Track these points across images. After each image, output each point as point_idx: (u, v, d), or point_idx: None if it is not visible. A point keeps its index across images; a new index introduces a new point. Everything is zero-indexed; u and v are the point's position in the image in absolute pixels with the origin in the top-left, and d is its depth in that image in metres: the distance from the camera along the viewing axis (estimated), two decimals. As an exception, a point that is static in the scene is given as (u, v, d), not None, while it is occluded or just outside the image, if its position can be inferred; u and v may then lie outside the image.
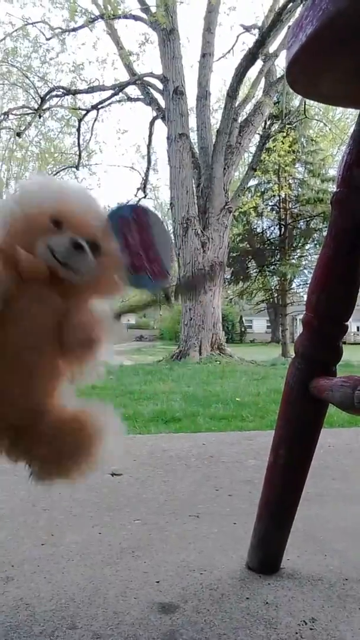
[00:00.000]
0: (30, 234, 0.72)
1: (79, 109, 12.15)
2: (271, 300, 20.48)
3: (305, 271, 18.27)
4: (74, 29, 11.45)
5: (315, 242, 18.14)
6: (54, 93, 11.60)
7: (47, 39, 11.82)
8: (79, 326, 0.74)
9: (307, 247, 18.80)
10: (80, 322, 0.74)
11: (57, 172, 17.06)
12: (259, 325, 35.42)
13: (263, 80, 11.09)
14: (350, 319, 1.01)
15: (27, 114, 12.00)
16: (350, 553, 1.17)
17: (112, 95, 11.75)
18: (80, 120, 12.11)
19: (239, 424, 3.04)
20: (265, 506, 1.09)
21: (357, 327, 33.71)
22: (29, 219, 0.72)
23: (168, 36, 9.95)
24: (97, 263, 0.74)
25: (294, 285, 19.07)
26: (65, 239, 0.71)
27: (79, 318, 0.74)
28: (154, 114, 11.46)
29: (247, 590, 1.00)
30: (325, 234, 1.00)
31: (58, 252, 0.71)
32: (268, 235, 19.49)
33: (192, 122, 10.98)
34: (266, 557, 1.08)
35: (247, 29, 11.23)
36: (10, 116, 11.89)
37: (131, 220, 0.79)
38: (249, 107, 10.96)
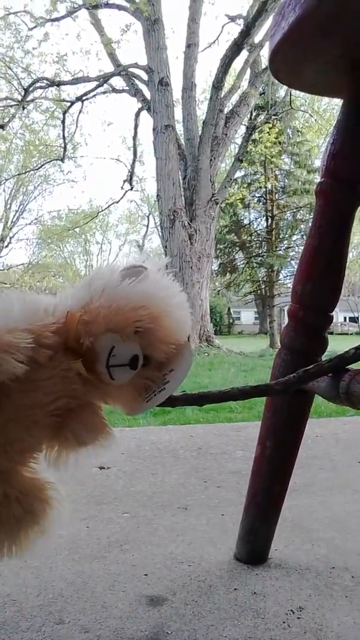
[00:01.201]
0: (107, 320, 0.68)
1: (64, 100, 12.00)
2: (259, 291, 20.51)
3: (293, 262, 18.30)
4: (57, 19, 11.28)
5: (302, 233, 18.17)
6: (38, 84, 11.44)
7: (30, 29, 11.64)
8: (85, 426, 0.71)
9: (294, 238, 18.83)
10: (88, 423, 0.71)
11: (42, 165, 16.91)
12: (247, 316, 35.55)
13: (248, 71, 11.04)
14: (337, 310, 1.01)
15: (11, 105, 11.82)
16: (337, 542, 1.18)
17: (97, 86, 11.62)
18: (64, 112, 11.96)
19: (227, 416, 3.04)
20: (253, 497, 1.09)
21: (344, 318, 34.00)
22: (117, 308, 0.68)
23: (152, 26, 9.85)
24: (137, 374, 0.71)
25: (281, 276, 19.11)
26: (128, 352, 0.68)
27: (88, 417, 0.71)
28: (140, 105, 11.36)
29: (235, 581, 1.00)
30: (310, 225, 1.00)
31: (115, 358, 0.68)
32: (255, 226, 19.53)
33: (178, 113, 10.91)
34: (254, 547, 1.09)
35: (232, 19, 11.17)
36: (-7, 108, 11.73)
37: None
38: (234, 98, 10.92)
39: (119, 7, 10.78)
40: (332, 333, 1.06)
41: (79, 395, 0.70)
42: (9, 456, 0.70)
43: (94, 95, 11.97)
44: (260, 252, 18.73)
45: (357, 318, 34.90)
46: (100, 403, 0.75)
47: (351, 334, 29.46)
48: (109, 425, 0.74)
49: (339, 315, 32.65)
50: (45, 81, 11.49)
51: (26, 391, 0.67)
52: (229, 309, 31.18)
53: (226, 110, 10.42)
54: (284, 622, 0.86)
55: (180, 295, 0.75)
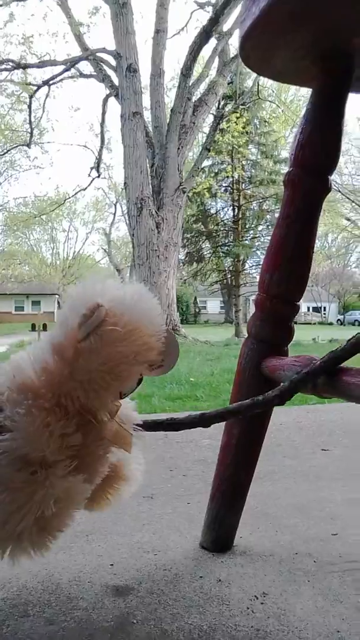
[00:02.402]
0: (130, 356, 0.69)
1: (30, 84, 11.68)
2: (225, 281, 20.63)
3: (258, 252, 18.45)
4: (23, -2, 10.96)
5: (268, 223, 18.30)
6: (3, 66, 11.09)
7: (-6, 8, 11.24)
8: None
9: (260, 228, 18.95)
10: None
11: (7, 150, 16.46)
12: (213, 306, 35.74)
13: (217, 59, 10.98)
14: (302, 300, 1.02)
15: (-26, 87, 11.47)
16: (300, 528, 1.20)
17: (64, 70, 11.34)
18: (31, 97, 11.65)
19: (193, 404, 3.06)
20: (219, 486, 1.09)
21: (307, 308, 34.58)
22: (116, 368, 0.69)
23: (121, 10, 9.65)
24: None
25: (247, 266, 19.25)
26: (134, 383, 0.74)
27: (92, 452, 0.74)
28: (107, 91, 11.16)
29: (200, 569, 1.01)
30: (277, 215, 1.00)
31: (127, 390, 0.74)
32: (222, 216, 19.57)
33: (146, 100, 10.78)
34: (219, 535, 1.10)
35: (201, 5, 11.07)
36: None
37: None
38: (203, 87, 10.86)
39: (86, -12, 10.53)
40: (296, 323, 1.07)
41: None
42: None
43: (61, 80, 11.71)
44: (226, 241, 18.80)
45: (320, 308, 35.60)
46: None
47: (314, 323, 30.03)
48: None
49: (303, 305, 33.18)
50: (10, 63, 11.14)
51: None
52: (195, 298, 31.24)
53: (194, 98, 10.35)
54: (248, 608, 0.87)
55: (149, 304, 0.75)
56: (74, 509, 0.72)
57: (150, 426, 0.85)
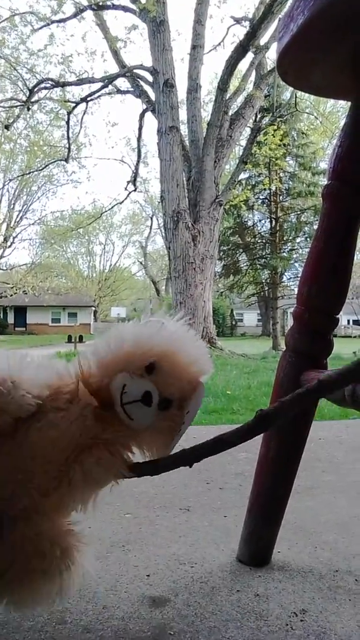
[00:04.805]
0: (117, 362, 0.73)
1: (68, 101, 12.01)
2: (262, 293, 20.49)
3: (296, 264, 18.28)
4: (62, 20, 11.30)
5: (306, 235, 18.13)
6: (43, 85, 11.45)
7: (35, 30, 11.65)
8: (95, 460, 0.73)
9: (297, 240, 18.79)
10: (99, 458, 0.73)
11: (46, 165, 16.93)
12: (250, 318, 35.49)
13: (254, 73, 11.04)
14: (341, 312, 1.01)
15: (16, 106, 11.84)
16: (340, 545, 1.18)
17: (102, 87, 11.62)
18: (69, 113, 11.97)
19: (229, 417, 3.04)
20: (256, 499, 1.09)
21: (348, 321, 33.92)
22: (128, 350, 0.73)
23: (158, 28, 9.85)
24: (158, 418, 0.74)
25: (284, 278, 19.10)
26: (141, 388, 0.72)
27: (101, 453, 0.73)
28: (144, 106, 11.36)
29: (237, 582, 1.00)
30: (316, 227, 1.00)
31: (127, 395, 0.72)
32: (259, 228, 19.51)
33: (183, 114, 10.92)
34: (257, 549, 1.09)
35: (238, 20, 11.15)
36: (-1, 108, 11.77)
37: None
38: (239, 100, 10.91)
39: (125, 9, 10.79)
40: (335, 335, 1.06)
41: (95, 434, 0.73)
42: (28, 492, 0.72)
43: (99, 96, 11.98)
44: (263, 254, 18.71)
45: (361, 321, 34.83)
46: (126, 447, 0.77)
47: (355, 336, 29.39)
48: (125, 465, 0.76)
49: (342, 318, 32.58)
50: (50, 82, 11.50)
51: (43, 429, 0.71)
52: (231, 310, 31.15)
53: (231, 112, 10.42)
54: (287, 625, 0.86)
55: (191, 333, 0.78)
56: None
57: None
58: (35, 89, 11.28)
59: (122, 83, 11.77)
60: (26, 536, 0.72)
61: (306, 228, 18.09)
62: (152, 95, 10.64)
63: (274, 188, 17.62)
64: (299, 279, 1.03)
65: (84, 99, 11.85)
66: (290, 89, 13.76)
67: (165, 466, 0.79)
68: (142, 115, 11.84)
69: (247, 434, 0.75)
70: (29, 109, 11.96)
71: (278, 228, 18.07)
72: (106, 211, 21.29)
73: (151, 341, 0.73)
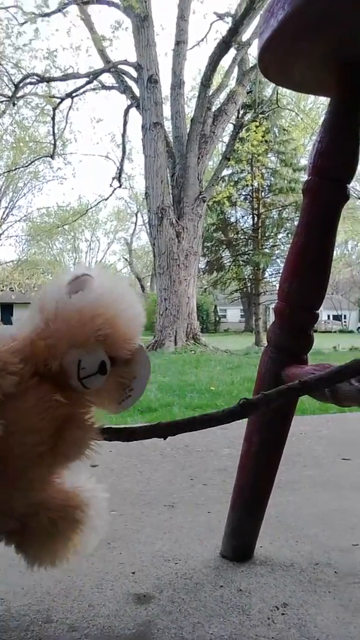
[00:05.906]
0: (68, 338, 0.70)
1: (54, 97, 11.91)
2: (244, 289, 20.60)
3: (278, 260, 18.42)
4: (47, 14, 11.18)
5: (288, 231, 18.27)
6: (28, 80, 11.33)
7: (20, 24, 11.50)
8: (74, 442, 0.73)
9: (279, 236, 18.92)
10: (76, 438, 0.73)
11: (32, 162, 16.76)
12: (233, 314, 35.64)
13: (236, 69, 11.06)
14: (321, 307, 1.02)
15: (1, 101, 11.71)
16: (321, 538, 1.19)
17: (87, 83, 11.54)
18: (54, 109, 11.88)
19: (213, 413, 3.05)
20: (239, 494, 1.09)
21: (327, 316, 34.26)
22: (75, 323, 0.71)
23: (142, 23, 9.81)
24: (109, 377, 0.75)
25: (266, 274, 19.23)
26: (95, 361, 0.71)
27: (74, 432, 0.73)
28: (129, 102, 11.31)
29: (221, 578, 1.01)
30: (297, 223, 1.00)
31: (84, 370, 0.71)
32: (241, 225, 19.58)
33: (167, 110, 10.89)
34: (240, 545, 1.09)
35: (221, 16, 11.16)
36: (-16, 104, 11.60)
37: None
38: (222, 96, 10.93)
39: (109, 3, 10.72)
40: (316, 331, 1.07)
41: (63, 405, 0.72)
42: (39, 481, 0.74)
43: (84, 92, 11.91)
44: (246, 250, 18.80)
45: (340, 316, 35.23)
46: (86, 410, 0.76)
47: (334, 331, 29.71)
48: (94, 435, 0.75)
49: (322, 313, 32.89)
50: (35, 77, 11.38)
51: (22, 417, 0.69)
52: (215, 306, 31.21)
53: (214, 108, 10.42)
54: (269, 619, 0.87)
55: (129, 292, 0.78)
56: None
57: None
58: (21, 84, 11.16)
59: (107, 79, 11.72)
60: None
61: (288, 224, 18.22)
62: (136, 91, 10.60)
63: (256, 184, 17.70)
64: (280, 274, 1.04)
65: (69, 95, 11.77)
66: (272, 85, 13.82)
67: (141, 434, 0.85)
68: (126, 111, 11.80)
69: (224, 418, 0.78)
70: (14, 104, 11.84)
71: (260, 224, 18.18)
72: (91, 208, 21.20)
73: (95, 310, 0.71)
